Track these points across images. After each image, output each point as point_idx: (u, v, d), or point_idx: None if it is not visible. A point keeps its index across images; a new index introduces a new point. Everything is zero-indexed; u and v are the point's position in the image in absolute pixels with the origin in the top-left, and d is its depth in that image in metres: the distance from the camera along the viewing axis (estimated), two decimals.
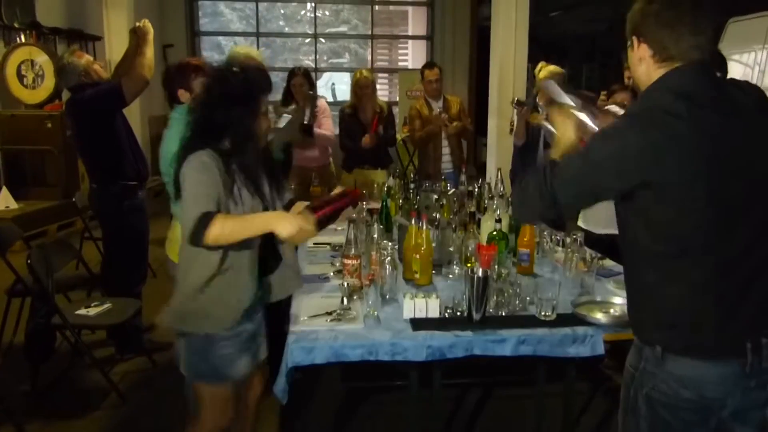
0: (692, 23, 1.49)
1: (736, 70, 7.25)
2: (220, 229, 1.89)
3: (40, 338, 3.41)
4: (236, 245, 2.00)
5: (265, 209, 2.11)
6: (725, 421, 1.53)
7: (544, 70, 4.67)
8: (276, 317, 2.37)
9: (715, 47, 1.56)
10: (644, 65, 1.56)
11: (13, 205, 6.10)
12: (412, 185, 3.55)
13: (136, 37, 3.64)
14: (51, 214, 6.33)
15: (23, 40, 6.87)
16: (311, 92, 4.53)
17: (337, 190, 2.37)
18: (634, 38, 1.58)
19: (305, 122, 4.25)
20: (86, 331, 3.62)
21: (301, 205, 2.23)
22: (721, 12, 1.59)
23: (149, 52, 3.56)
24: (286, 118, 3.03)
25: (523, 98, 5.30)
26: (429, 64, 5.35)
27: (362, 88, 4.83)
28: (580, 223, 3.53)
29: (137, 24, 3.70)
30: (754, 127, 1.51)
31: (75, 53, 3.67)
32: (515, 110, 4.49)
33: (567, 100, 1.86)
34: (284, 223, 1.94)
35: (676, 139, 1.43)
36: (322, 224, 2.07)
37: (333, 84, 11.54)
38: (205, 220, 1.88)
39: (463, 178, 3.71)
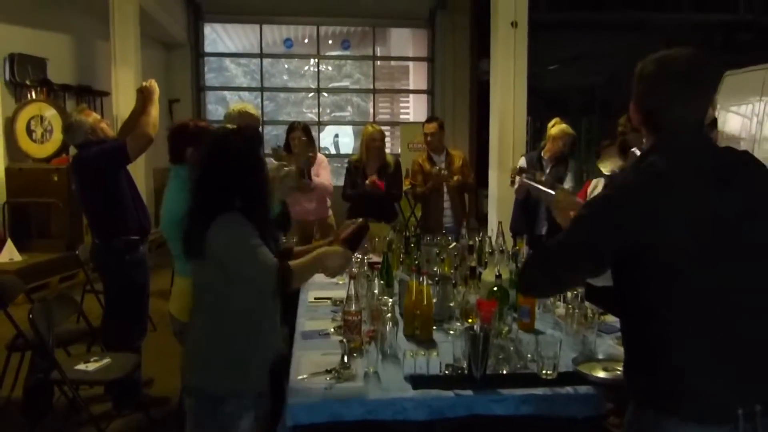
0: (682, 95, 1.54)
1: (734, 122, 7.35)
2: (297, 276, 2.09)
3: (39, 394, 3.38)
4: (262, 299, 2.12)
5: None
6: None
7: (557, 126, 4.76)
8: (275, 373, 2.35)
9: (705, 114, 1.60)
10: (642, 129, 1.64)
11: (17, 257, 6.13)
12: (413, 239, 3.56)
13: (143, 96, 3.73)
14: (54, 267, 6.35)
15: (34, 96, 7.03)
16: (304, 138, 4.68)
17: (348, 222, 2.46)
18: (632, 104, 1.64)
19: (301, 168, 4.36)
20: (84, 385, 3.59)
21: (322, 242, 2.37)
22: (716, 81, 1.65)
23: (154, 111, 3.66)
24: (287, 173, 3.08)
25: (522, 152, 5.38)
26: (429, 119, 5.43)
27: (373, 141, 4.87)
28: None
29: (144, 84, 3.80)
30: (739, 196, 1.53)
31: (83, 112, 3.75)
32: (517, 176, 4.58)
33: (546, 189, 1.94)
34: (331, 258, 2.18)
35: (666, 207, 1.47)
36: (353, 250, 2.29)
37: (336, 135, 11.72)
38: (285, 272, 2.05)
39: (464, 231, 3.72)
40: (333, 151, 11.44)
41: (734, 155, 1.63)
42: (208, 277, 2.12)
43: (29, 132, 6.84)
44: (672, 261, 1.48)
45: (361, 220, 2.45)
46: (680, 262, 1.48)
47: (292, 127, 4.79)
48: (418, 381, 2.09)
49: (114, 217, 3.62)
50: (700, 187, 1.50)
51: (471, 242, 3.49)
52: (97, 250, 3.76)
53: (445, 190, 5.06)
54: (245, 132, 2.22)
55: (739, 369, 1.49)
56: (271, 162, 3.38)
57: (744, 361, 1.50)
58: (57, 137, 6.79)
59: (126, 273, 3.66)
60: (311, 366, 2.22)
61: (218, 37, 11.44)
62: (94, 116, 3.76)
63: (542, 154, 4.81)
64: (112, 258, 3.65)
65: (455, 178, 5.04)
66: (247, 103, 4.95)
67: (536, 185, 2.04)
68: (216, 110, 11.10)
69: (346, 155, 5.57)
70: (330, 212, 5.01)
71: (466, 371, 2.11)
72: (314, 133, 5.14)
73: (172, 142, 2.79)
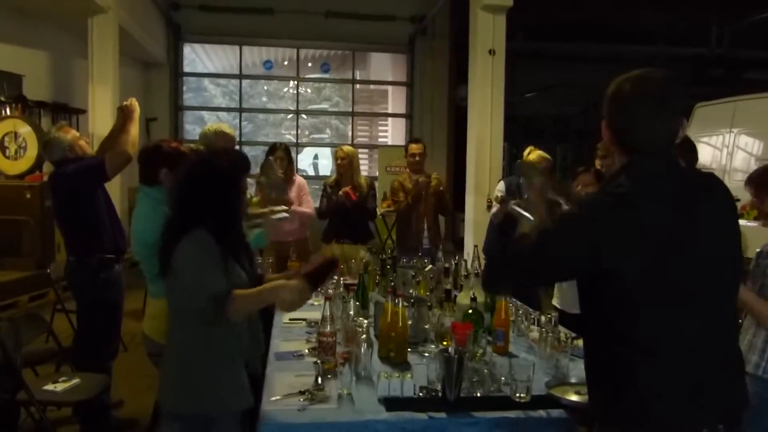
0: (653, 114, 1.57)
1: (705, 153, 7.52)
2: (238, 306, 2.01)
3: (5, 415, 3.30)
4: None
5: (248, 281, 2.18)
6: None
7: (533, 153, 4.83)
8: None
9: (675, 136, 1.61)
10: (612, 149, 1.67)
11: None
12: (389, 261, 3.57)
13: (123, 114, 3.72)
14: (23, 285, 6.22)
15: (8, 112, 6.95)
16: (284, 159, 4.75)
17: (319, 257, 2.44)
18: (604, 123, 1.66)
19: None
20: (52, 407, 3.50)
21: (280, 276, 2.32)
22: (684, 105, 1.72)
23: (134, 129, 3.65)
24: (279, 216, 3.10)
25: (499, 177, 5.44)
26: (414, 139, 5.50)
27: (343, 159, 4.94)
28: (554, 302, 3.57)
29: (124, 102, 3.79)
30: (702, 220, 1.56)
31: (62, 128, 3.73)
32: (499, 203, 4.61)
33: (526, 214, 1.98)
34: (285, 292, 2.08)
35: (630, 229, 1.50)
36: (312, 287, 2.17)
37: (316, 157, 11.76)
38: (222, 299, 1.97)
39: (440, 254, 3.74)
40: (312, 173, 11.46)
41: (700, 179, 1.67)
42: (176, 294, 2.12)
43: (2, 148, 6.72)
44: (634, 282, 1.51)
45: (331, 256, 2.45)
46: (642, 284, 1.50)
47: (274, 147, 4.82)
48: (391, 403, 2.09)
49: (90, 234, 3.58)
50: (665, 210, 1.52)
51: (447, 265, 3.51)
52: (71, 268, 3.71)
53: (423, 211, 5.09)
54: (231, 155, 2.25)
55: (701, 390, 1.52)
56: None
57: (706, 383, 1.53)
58: (31, 154, 6.69)
59: (100, 291, 3.61)
60: (284, 387, 2.20)
61: (197, 57, 11.44)
62: (73, 133, 3.74)
63: (521, 180, 4.86)
64: (87, 276, 3.60)
65: (433, 180, 5.07)
66: (224, 123, 4.95)
67: (520, 210, 2.08)
68: (193, 130, 11.06)
69: (325, 177, 5.64)
70: (308, 233, 5.02)
71: (440, 394, 2.12)
72: (292, 155, 5.17)
73: (145, 163, 2.77)
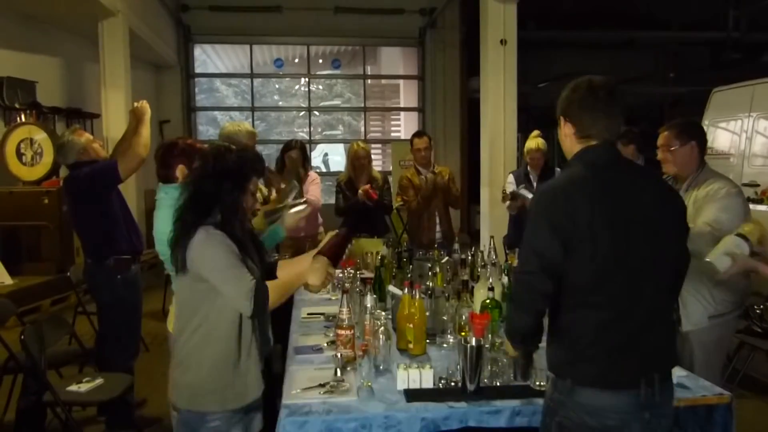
0: (605, 110, 1.84)
1: (723, 138, 7.41)
2: (275, 296, 2.08)
3: (32, 416, 3.35)
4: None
5: (260, 274, 2.19)
6: None
7: (529, 141, 4.83)
8: (268, 388, 2.34)
9: (620, 130, 1.95)
10: (568, 140, 1.91)
11: (8, 280, 6.08)
12: (405, 254, 3.57)
13: (134, 117, 3.75)
14: (45, 289, 6.30)
15: (23, 119, 7.02)
16: (300, 157, 4.76)
17: (331, 234, 2.45)
18: (562, 118, 1.91)
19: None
20: (77, 407, 3.55)
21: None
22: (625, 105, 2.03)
23: (146, 131, 3.67)
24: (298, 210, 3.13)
25: (513, 168, 5.42)
26: (418, 133, 5.41)
27: (359, 159, 4.91)
28: None
29: (135, 104, 3.82)
30: (647, 200, 1.81)
31: (76, 132, 3.76)
32: (510, 200, 4.62)
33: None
34: (314, 273, 2.17)
35: (585, 202, 1.73)
36: (334, 264, 2.26)
37: (326, 154, 11.78)
38: (262, 291, 2.03)
39: (456, 246, 3.73)
40: (323, 169, 11.48)
41: (643, 169, 2.03)
42: (189, 291, 2.13)
43: (19, 155, 6.80)
44: (584, 251, 1.71)
45: (343, 229, 2.46)
46: (590, 252, 1.71)
47: (289, 146, 4.80)
48: (411, 394, 2.10)
49: (106, 236, 3.61)
50: (611, 189, 1.77)
51: (463, 257, 3.50)
52: (89, 270, 3.75)
53: (434, 205, 5.06)
54: (241, 152, 2.24)
55: (641, 344, 1.76)
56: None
57: (645, 337, 1.76)
58: (47, 160, 6.77)
59: (118, 292, 3.64)
60: (305, 381, 2.22)
61: (208, 57, 11.51)
62: (87, 136, 3.76)
63: (528, 169, 4.87)
64: (104, 277, 3.64)
65: (437, 175, 5.03)
66: (247, 123, 4.94)
67: (522, 192, 2.11)
68: (207, 131, 11.13)
69: (337, 173, 5.67)
70: (321, 230, 5.02)
71: (459, 384, 2.12)
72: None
73: (162, 162, 2.78)
